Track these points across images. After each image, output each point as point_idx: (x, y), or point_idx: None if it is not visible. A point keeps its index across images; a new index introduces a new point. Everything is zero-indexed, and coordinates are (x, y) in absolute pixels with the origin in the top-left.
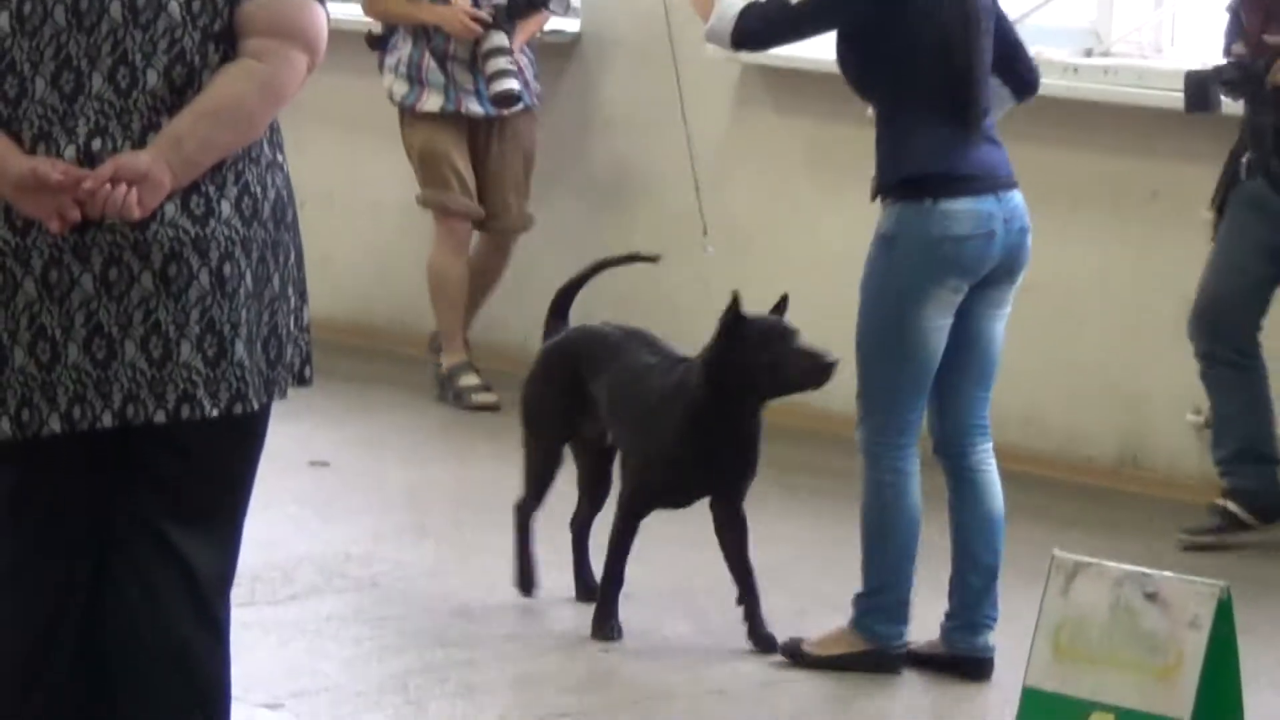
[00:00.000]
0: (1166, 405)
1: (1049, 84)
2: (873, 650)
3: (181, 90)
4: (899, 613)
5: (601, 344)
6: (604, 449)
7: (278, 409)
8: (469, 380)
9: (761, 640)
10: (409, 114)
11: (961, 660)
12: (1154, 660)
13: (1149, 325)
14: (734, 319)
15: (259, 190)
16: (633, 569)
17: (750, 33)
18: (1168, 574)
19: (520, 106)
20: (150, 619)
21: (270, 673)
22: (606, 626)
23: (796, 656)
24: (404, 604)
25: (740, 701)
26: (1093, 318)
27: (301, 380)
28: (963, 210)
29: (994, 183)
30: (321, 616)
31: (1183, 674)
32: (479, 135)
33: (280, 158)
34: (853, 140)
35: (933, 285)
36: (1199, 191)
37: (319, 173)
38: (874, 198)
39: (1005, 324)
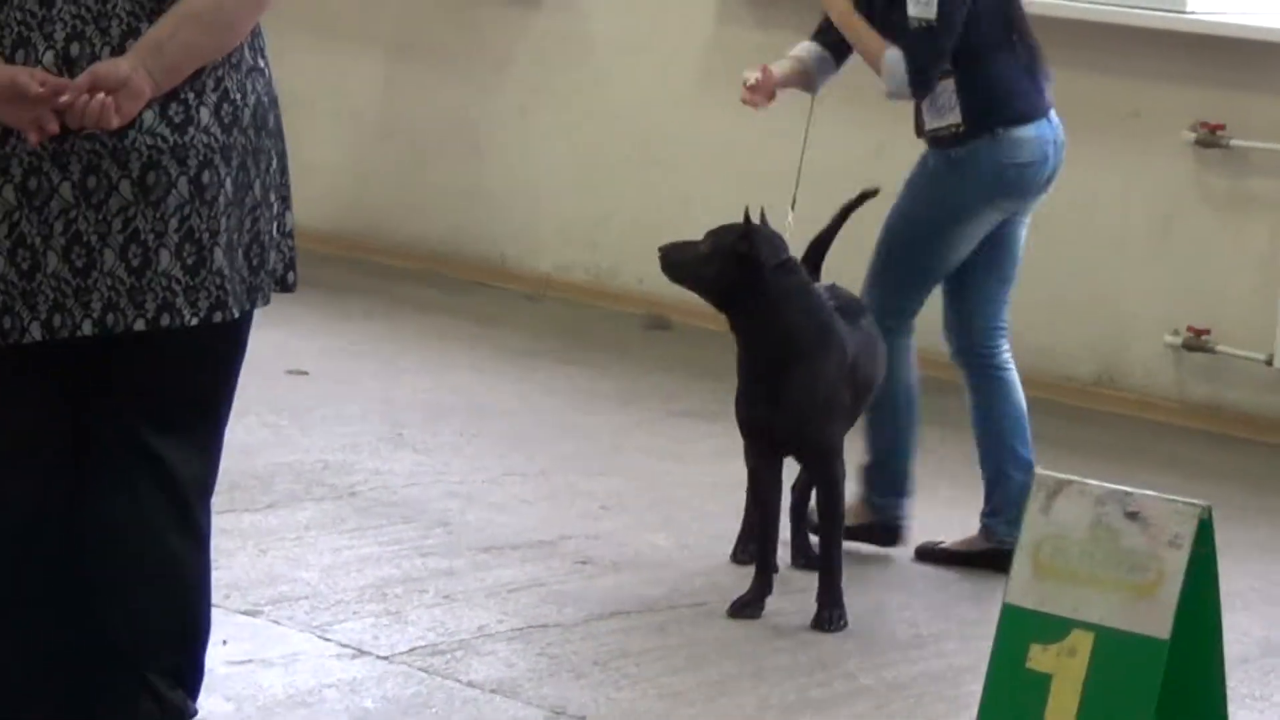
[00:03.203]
0: (1144, 325)
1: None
2: (874, 522)
3: None
4: (899, 484)
5: None
6: None
7: (256, 317)
8: None
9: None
10: None
11: (1009, 553)
12: (1134, 579)
13: (1128, 246)
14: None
15: (239, 97)
16: (611, 482)
17: (923, 82)
18: (1149, 493)
19: None
20: (133, 525)
21: (249, 580)
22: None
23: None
24: (382, 514)
25: (719, 615)
26: (1071, 237)
27: (285, 286)
28: (1027, 138)
29: (1045, 105)
30: (300, 525)
31: (1162, 593)
32: None
33: (262, 63)
34: None
35: (988, 208)
36: (1181, 111)
37: (299, 80)
38: (919, 133)
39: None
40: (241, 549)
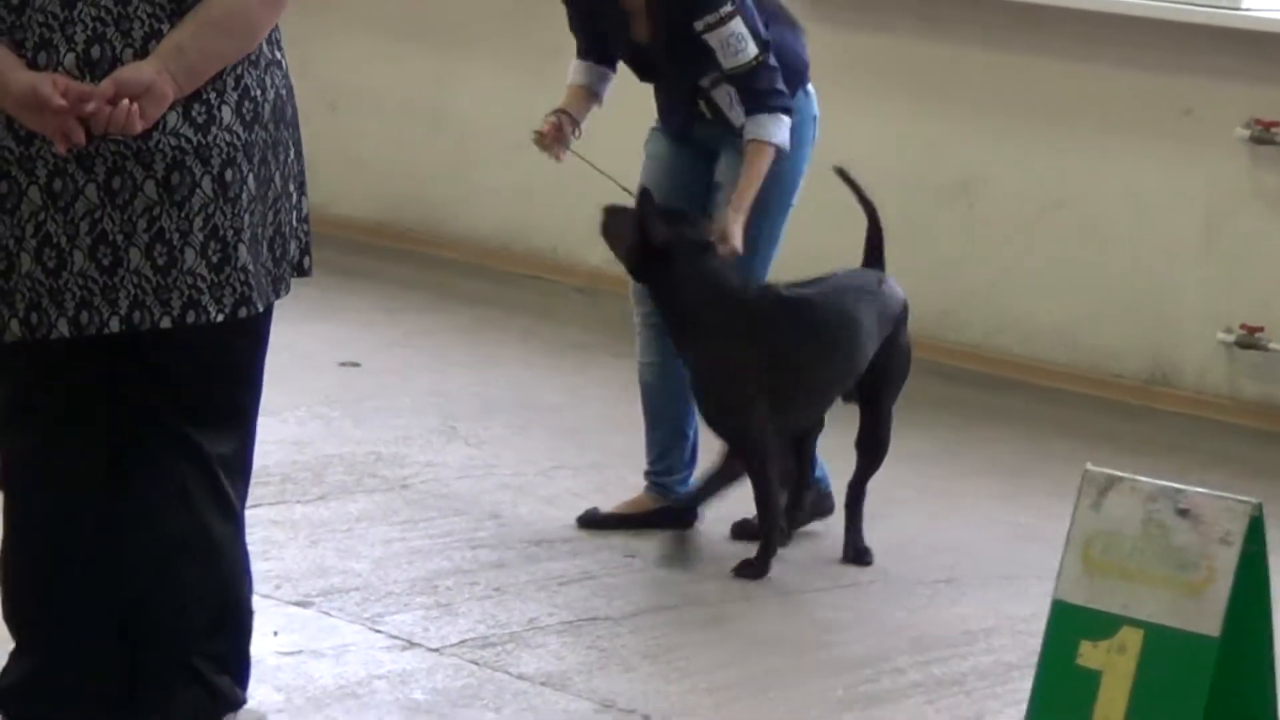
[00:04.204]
0: (1196, 323)
1: None
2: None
3: None
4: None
5: None
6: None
7: (308, 309)
8: None
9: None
10: None
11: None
12: (1184, 576)
13: (1181, 243)
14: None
15: (259, 93)
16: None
17: (788, 101)
18: (1200, 490)
19: None
20: (173, 509)
21: (300, 571)
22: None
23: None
24: (434, 506)
25: (767, 609)
26: (1124, 235)
27: (301, 271)
28: (814, 91)
29: None
30: (352, 517)
31: (1213, 590)
32: None
33: (279, 55)
34: (887, 50)
35: (806, 163)
36: (1234, 108)
37: (352, 74)
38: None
39: None
40: (293, 540)
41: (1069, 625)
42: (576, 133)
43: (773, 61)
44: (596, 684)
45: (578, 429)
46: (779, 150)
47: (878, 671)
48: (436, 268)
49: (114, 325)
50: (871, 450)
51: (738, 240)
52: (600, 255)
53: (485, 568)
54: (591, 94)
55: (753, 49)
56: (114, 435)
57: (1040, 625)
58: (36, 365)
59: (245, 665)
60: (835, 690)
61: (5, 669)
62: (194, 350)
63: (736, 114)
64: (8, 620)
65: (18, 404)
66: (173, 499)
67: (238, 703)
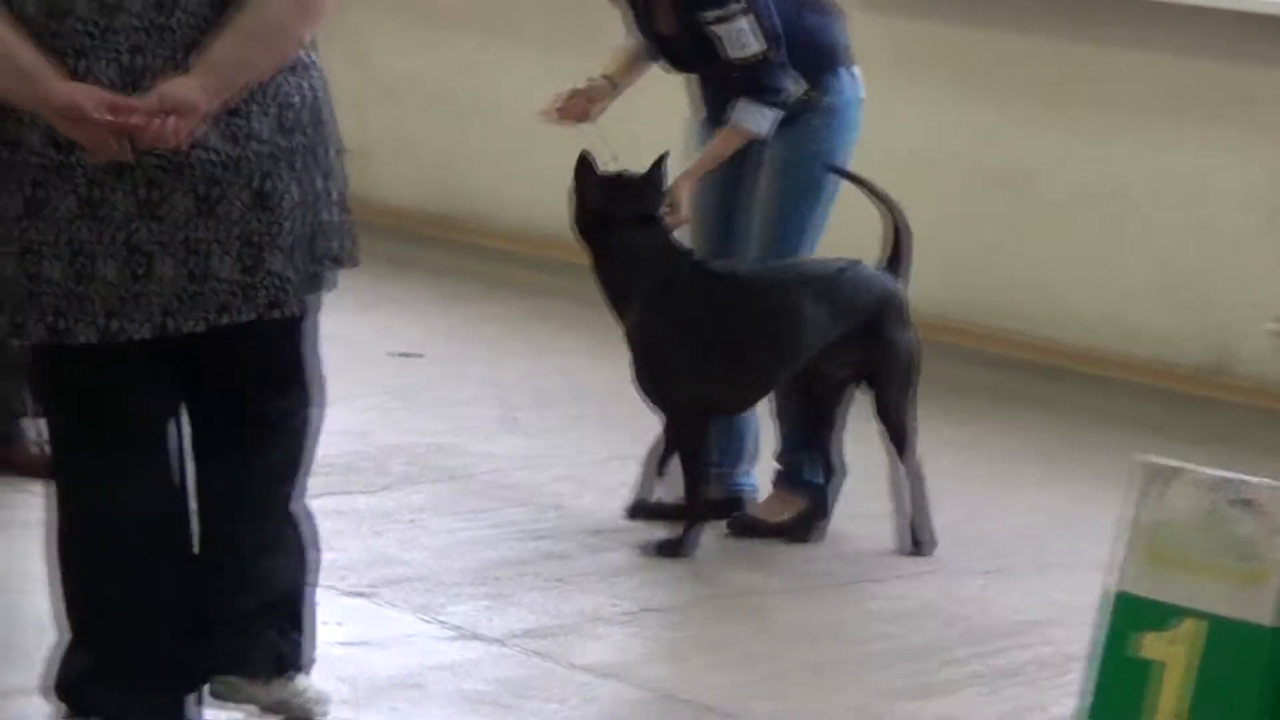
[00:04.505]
0: (1255, 312)
1: None
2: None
3: (220, 7)
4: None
5: None
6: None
7: (362, 299)
8: None
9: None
10: None
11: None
12: (1245, 566)
13: (1238, 232)
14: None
15: (296, 99)
16: None
17: (786, 100)
18: (1262, 480)
19: None
20: (233, 501)
21: (362, 561)
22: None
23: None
24: (496, 496)
25: (819, 600)
26: (1181, 224)
27: (351, 262)
28: (858, 74)
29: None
30: (413, 507)
31: (1273, 580)
32: None
33: (313, 57)
34: (937, 37)
35: (853, 145)
36: None
37: (405, 63)
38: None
39: None
40: (354, 530)
41: (1129, 616)
42: (608, 97)
43: (780, 59)
44: (657, 674)
45: (633, 419)
46: (754, 138)
47: (936, 663)
48: (488, 257)
49: (145, 332)
50: (894, 442)
51: (686, 209)
52: None
53: (546, 558)
54: (637, 56)
55: (756, 45)
56: (169, 427)
57: (1093, 615)
58: (72, 361)
59: (306, 638)
60: (894, 681)
61: (65, 661)
62: (238, 351)
63: None
64: (69, 612)
65: (59, 398)
66: (231, 487)
67: (302, 663)
